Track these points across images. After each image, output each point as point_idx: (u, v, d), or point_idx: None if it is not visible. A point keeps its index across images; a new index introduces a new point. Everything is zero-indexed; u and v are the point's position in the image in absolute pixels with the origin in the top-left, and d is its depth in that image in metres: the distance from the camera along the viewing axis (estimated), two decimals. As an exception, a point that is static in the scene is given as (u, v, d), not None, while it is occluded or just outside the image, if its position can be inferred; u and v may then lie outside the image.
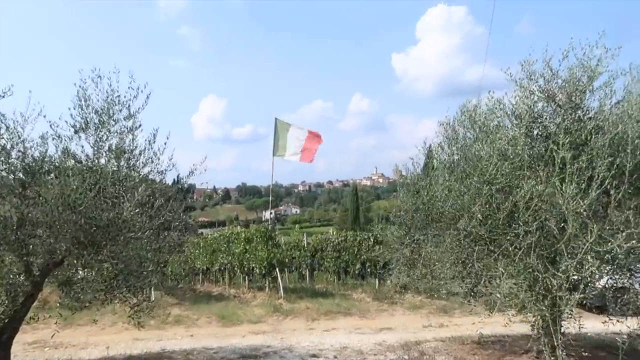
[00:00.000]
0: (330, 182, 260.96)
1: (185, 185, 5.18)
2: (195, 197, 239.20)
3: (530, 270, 4.38)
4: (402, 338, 7.89)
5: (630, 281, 5.31)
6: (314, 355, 6.76)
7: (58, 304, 5.32)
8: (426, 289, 9.79)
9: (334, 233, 17.28)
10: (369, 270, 13.34)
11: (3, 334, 4.74)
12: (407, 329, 9.46)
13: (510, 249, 4.81)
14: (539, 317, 4.86)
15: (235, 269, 14.55)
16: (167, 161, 5.04)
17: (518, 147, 5.28)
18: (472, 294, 6.02)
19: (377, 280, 13.32)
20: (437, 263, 6.14)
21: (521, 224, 4.74)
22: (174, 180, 6.29)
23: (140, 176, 4.57)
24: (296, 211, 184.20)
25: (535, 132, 5.81)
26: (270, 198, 14.10)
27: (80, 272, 4.76)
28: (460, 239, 5.55)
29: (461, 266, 5.76)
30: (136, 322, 6.40)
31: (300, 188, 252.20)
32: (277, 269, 12.28)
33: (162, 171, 4.85)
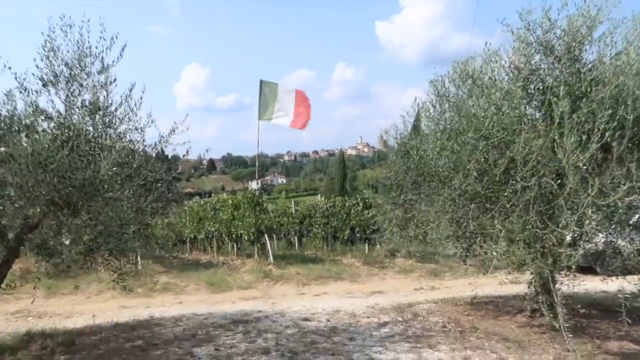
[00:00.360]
0: (315, 152, 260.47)
1: (166, 144, 4.81)
2: (180, 168, 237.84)
3: (529, 227, 4.24)
4: (394, 301, 7.84)
5: (626, 240, 5.22)
6: (306, 319, 6.67)
7: (34, 269, 5.08)
8: (419, 250, 9.75)
9: (322, 199, 17.16)
10: (358, 235, 13.28)
11: (-21, 303, 4.49)
12: (399, 292, 9.45)
13: (507, 205, 4.66)
14: (537, 274, 4.77)
15: (223, 236, 14.39)
16: (145, 117, 4.69)
17: (515, 101, 5.06)
18: (466, 254, 5.91)
19: (366, 245, 13.29)
20: (430, 224, 5.99)
21: (519, 179, 4.57)
22: (156, 143, 5.92)
23: (117, 133, 4.26)
24: (282, 181, 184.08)
25: (532, 86, 5.61)
26: (257, 164, 13.77)
27: (61, 237, 4.51)
28: (455, 197, 5.38)
29: (456, 226, 5.62)
30: (122, 287, 6.22)
31: (286, 158, 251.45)
32: (265, 236, 12.13)
33: (140, 128, 4.51)
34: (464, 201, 5.32)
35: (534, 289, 5.65)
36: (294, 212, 17.70)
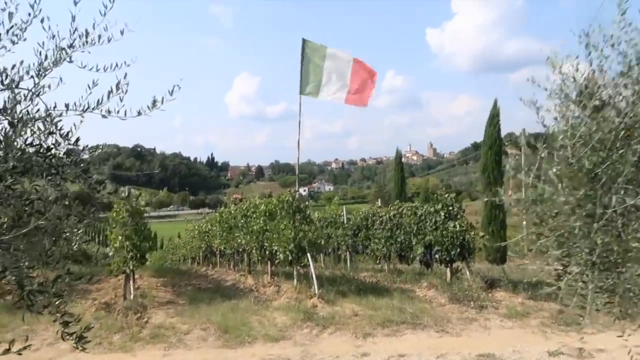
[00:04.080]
0: (363, 160, 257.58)
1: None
2: (229, 174, 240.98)
3: None
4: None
5: None
6: None
7: None
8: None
9: (382, 206, 13.48)
10: (436, 256, 9.50)
11: None
12: (522, 357, 5.72)
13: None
14: None
15: (254, 251, 11.03)
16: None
17: None
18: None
19: (448, 269, 9.48)
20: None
21: None
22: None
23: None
24: (329, 188, 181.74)
25: None
26: (298, 155, 10.20)
27: None
28: None
29: None
30: (74, 342, 3.01)
31: (334, 165, 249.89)
32: (308, 255, 8.62)
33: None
34: None
35: None
36: (345, 221, 14.15)
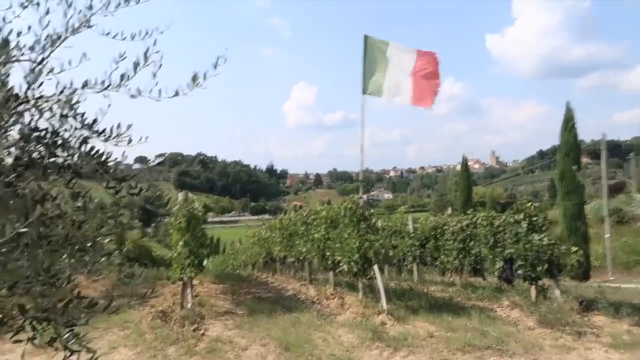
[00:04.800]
0: (422, 168, 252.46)
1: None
2: (288, 182, 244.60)
3: None
4: None
5: None
6: None
7: None
8: None
9: (452, 215, 12.50)
10: (519, 272, 8.45)
11: None
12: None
13: None
14: None
15: (315, 260, 10.48)
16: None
17: None
18: None
19: (533, 287, 8.38)
20: None
21: None
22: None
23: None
24: (388, 197, 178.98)
25: None
26: (362, 158, 9.46)
27: None
28: None
29: None
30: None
31: (392, 174, 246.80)
32: (375, 268, 7.91)
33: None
34: None
35: None
36: (411, 230, 13.28)
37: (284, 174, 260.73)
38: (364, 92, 9.40)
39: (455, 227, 10.95)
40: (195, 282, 11.10)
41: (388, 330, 6.89)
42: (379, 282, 7.78)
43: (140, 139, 1.72)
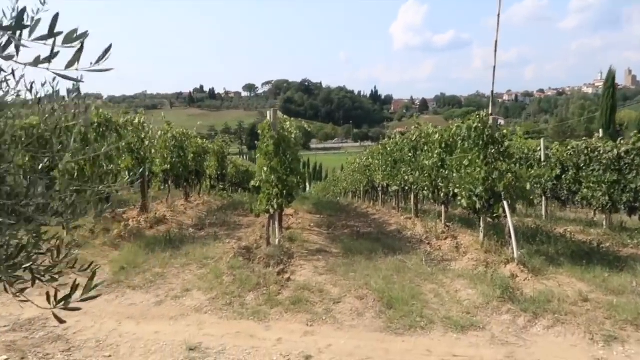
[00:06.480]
0: (541, 91, 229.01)
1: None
2: (392, 107, 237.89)
3: None
4: None
5: None
6: None
7: None
8: None
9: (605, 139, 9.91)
10: None
11: None
12: None
13: None
14: None
15: (425, 191, 8.91)
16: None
17: None
18: None
19: None
20: None
21: None
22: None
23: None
24: (501, 122, 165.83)
25: None
26: (495, 64, 7.27)
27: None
28: None
29: None
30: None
31: (506, 98, 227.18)
32: (505, 205, 6.12)
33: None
34: None
35: None
36: (542, 158, 10.98)
37: (388, 100, 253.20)
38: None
39: (609, 155, 8.54)
40: (290, 211, 10.24)
41: (521, 286, 5.27)
42: (510, 224, 6.04)
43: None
